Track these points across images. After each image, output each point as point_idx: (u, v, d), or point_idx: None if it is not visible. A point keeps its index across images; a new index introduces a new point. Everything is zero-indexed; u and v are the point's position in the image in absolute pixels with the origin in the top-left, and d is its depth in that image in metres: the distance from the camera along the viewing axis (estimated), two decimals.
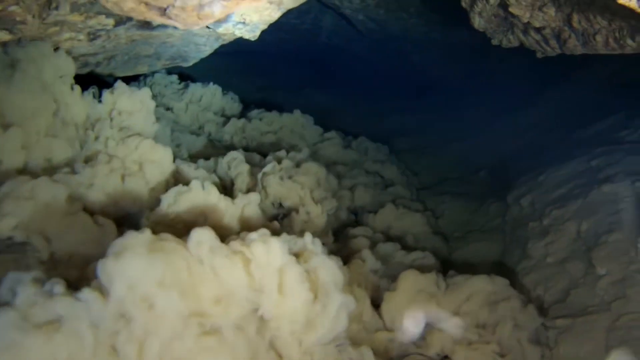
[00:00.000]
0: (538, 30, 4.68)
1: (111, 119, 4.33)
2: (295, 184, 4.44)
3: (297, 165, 4.84)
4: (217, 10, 2.39)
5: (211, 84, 8.05)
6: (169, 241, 2.40)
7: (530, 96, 9.91)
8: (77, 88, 4.38)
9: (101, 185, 3.55)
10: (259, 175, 4.53)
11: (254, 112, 7.52)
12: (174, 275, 2.25)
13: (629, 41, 3.71)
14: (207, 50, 6.66)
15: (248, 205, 4.04)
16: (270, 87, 12.32)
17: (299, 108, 9.09)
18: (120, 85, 4.66)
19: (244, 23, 4.99)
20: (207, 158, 5.59)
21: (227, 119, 7.58)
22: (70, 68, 4.47)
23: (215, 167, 5.23)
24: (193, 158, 5.86)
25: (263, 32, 5.04)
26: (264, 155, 5.53)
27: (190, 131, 7.24)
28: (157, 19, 2.60)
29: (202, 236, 2.49)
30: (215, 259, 2.47)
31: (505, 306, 3.36)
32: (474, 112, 10.98)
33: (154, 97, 5.13)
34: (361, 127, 10.09)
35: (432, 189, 7.87)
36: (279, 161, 4.78)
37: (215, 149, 6.65)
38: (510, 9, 4.50)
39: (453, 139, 9.91)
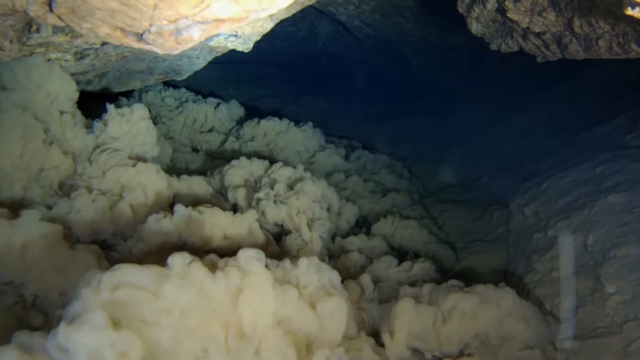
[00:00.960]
0: (538, 35, 4.53)
1: (102, 146, 4.14)
2: (290, 209, 4.31)
3: (291, 186, 4.68)
4: (196, 35, 2.24)
5: (205, 102, 7.81)
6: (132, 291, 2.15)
7: (530, 98, 9.76)
8: (69, 117, 4.19)
9: (85, 212, 3.40)
10: (253, 201, 4.39)
11: (249, 128, 7.29)
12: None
13: (634, 46, 3.55)
14: (200, 63, 6.55)
15: (242, 222, 3.90)
16: (267, 95, 12.19)
17: (297, 115, 9.03)
18: (111, 112, 4.47)
19: (236, 35, 4.88)
20: (204, 173, 5.45)
21: (226, 135, 7.40)
22: (67, 90, 4.31)
23: (214, 183, 5.09)
24: (193, 174, 5.73)
25: (259, 40, 4.95)
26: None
27: (191, 147, 7.14)
28: (134, 45, 2.45)
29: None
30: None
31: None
32: (474, 116, 10.84)
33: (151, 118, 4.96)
34: (360, 132, 9.97)
35: (434, 197, 7.71)
36: (272, 185, 4.64)
37: (214, 163, 6.49)
38: (508, 15, 4.35)
39: (453, 143, 9.76)
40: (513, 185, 6.47)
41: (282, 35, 11.64)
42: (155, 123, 5.87)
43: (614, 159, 4.99)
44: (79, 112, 4.38)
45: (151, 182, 3.95)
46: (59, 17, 2.46)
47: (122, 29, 2.41)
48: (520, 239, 5.08)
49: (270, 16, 4.58)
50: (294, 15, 6.23)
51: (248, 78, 12.98)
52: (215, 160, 6.67)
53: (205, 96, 8.22)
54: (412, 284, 3.97)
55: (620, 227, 3.82)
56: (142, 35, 2.40)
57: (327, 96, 13.09)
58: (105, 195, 3.64)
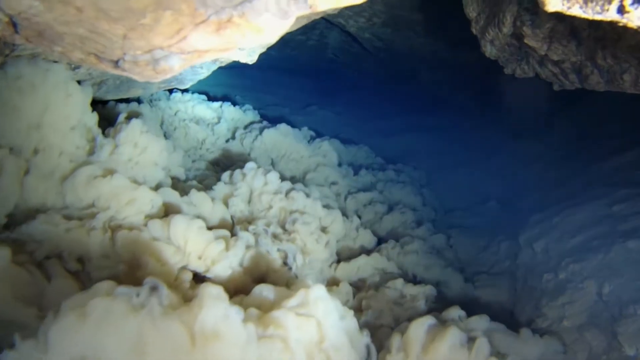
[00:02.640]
0: (556, 63, 4.24)
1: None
2: (292, 245, 4.08)
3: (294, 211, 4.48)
4: (176, 65, 1.98)
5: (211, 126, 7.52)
6: None
7: (541, 120, 9.45)
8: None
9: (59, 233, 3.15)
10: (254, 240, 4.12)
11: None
12: None
13: None
14: (204, 73, 6.32)
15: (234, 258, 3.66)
16: (274, 104, 11.94)
17: (304, 125, 8.78)
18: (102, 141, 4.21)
19: (239, 48, 4.63)
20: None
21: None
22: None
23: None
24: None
25: (269, 48, 4.74)
26: None
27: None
28: (112, 71, 2.20)
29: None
30: None
31: None
32: (482, 135, 10.54)
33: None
34: (367, 146, 9.67)
35: (440, 221, 7.41)
36: (269, 224, 4.40)
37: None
38: (526, 41, 4.07)
39: (460, 163, 9.46)
40: (521, 214, 6.19)
41: (292, 44, 11.42)
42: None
43: (632, 198, 4.68)
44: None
45: (137, 199, 3.71)
46: (27, 39, 2.21)
47: (95, 55, 2.16)
48: (528, 277, 4.79)
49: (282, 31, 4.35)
50: (304, 25, 6.00)
51: (255, 85, 12.74)
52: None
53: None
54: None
55: None
56: (117, 62, 2.15)
57: (334, 106, 12.83)
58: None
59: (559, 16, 3.69)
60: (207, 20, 1.71)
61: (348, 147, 8.97)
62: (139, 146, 4.43)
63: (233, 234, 4.11)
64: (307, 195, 5.00)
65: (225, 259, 3.59)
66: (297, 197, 4.84)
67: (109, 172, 3.78)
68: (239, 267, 3.76)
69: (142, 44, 1.83)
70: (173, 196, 4.27)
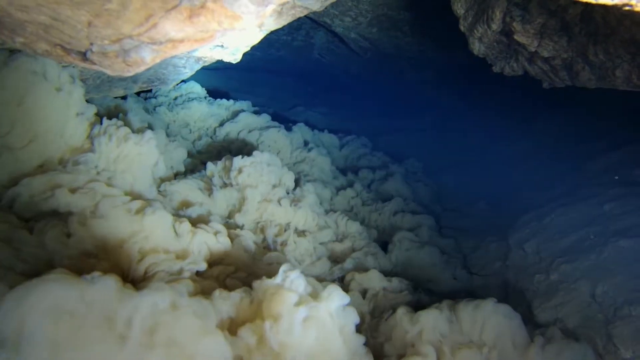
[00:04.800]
0: (546, 60, 4.15)
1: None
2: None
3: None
4: (148, 57, 1.85)
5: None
6: None
7: (529, 118, 9.40)
8: None
9: None
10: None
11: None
12: None
13: None
14: (187, 73, 6.17)
15: None
16: (260, 105, 11.77)
17: (290, 126, 8.67)
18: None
19: (222, 46, 4.50)
20: None
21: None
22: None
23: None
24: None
25: (253, 48, 4.60)
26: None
27: None
28: (80, 64, 2.06)
29: None
30: None
31: None
32: (470, 135, 10.48)
33: None
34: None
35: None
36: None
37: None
38: (516, 37, 3.98)
39: (449, 164, 9.39)
40: (511, 214, 6.10)
41: (277, 44, 11.27)
42: None
43: (624, 197, 4.61)
44: None
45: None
46: None
47: (62, 46, 2.01)
48: (519, 278, 4.69)
49: (260, 27, 4.23)
50: (290, 25, 5.87)
51: (240, 86, 12.58)
52: None
53: None
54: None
55: (634, 280, 3.43)
56: (85, 53, 2.00)
57: (321, 107, 12.71)
58: None
59: (550, 10, 3.60)
60: (179, 6, 1.57)
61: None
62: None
63: None
64: None
65: None
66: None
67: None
68: None
69: (109, 33, 1.69)
70: None
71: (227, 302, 2.51)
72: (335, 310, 2.52)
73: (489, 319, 2.98)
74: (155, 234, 3.24)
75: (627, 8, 1.52)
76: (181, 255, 3.33)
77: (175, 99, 7.96)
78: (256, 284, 2.61)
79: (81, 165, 3.73)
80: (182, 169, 5.66)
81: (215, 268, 3.43)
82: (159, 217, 3.30)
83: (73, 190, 3.32)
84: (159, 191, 4.54)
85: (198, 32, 1.68)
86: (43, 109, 3.62)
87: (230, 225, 4.50)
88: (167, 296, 2.13)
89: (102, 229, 3.05)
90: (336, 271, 4.50)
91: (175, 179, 5.02)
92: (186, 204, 4.49)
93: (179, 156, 5.78)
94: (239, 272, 3.52)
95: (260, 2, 1.58)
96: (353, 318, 2.62)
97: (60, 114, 3.77)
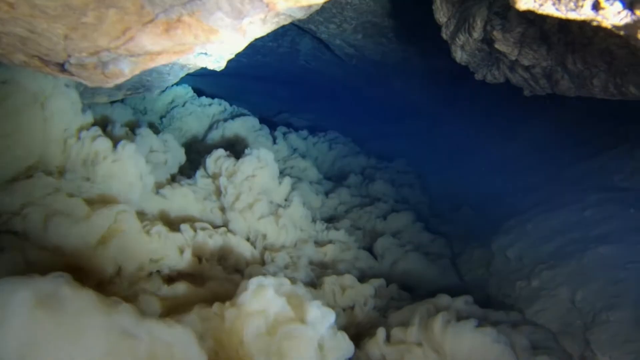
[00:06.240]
0: (527, 68, 4.20)
1: None
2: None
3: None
4: (127, 69, 1.84)
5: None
6: None
7: (511, 125, 9.48)
8: None
9: None
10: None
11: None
12: None
13: (632, 89, 3.23)
14: (171, 80, 6.15)
15: None
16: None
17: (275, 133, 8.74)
18: None
19: (206, 54, 4.50)
20: None
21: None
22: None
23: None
24: None
25: (239, 55, 4.61)
26: None
27: None
28: (59, 75, 2.04)
29: None
30: None
31: None
32: (454, 141, 10.54)
33: None
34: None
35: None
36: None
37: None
38: (496, 45, 4.02)
39: (432, 170, 9.45)
40: (495, 219, 6.15)
41: (263, 50, 11.26)
42: None
43: (603, 203, 4.68)
44: None
45: None
46: None
47: (39, 57, 2.00)
48: (501, 285, 4.73)
49: (243, 35, 4.23)
50: (275, 31, 5.87)
51: (225, 92, 12.55)
52: None
53: None
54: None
55: (613, 286, 3.48)
56: (63, 65, 1.99)
57: (306, 113, 12.72)
58: None
59: (529, 20, 3.65)
60: (155, 20, 1.58)
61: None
62: None
63: None
64: None
65: None
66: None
67: None
68: None
69: (86, 45, 1.68)
70: None
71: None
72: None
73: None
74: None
75: (594, 24, 1.56)
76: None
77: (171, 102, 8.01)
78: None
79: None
80: (176, 170, 5.76)
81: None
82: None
83: None
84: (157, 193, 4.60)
85: (175, 45, 1.69)
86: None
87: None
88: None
89: None
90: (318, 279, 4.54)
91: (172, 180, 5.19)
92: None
93: (174, 159, 5.81)
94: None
95: (236, 16, 1.59)
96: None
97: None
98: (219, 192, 5.01)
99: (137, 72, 1.97)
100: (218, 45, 1.79)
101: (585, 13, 1.50)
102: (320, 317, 2.55)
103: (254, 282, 2.65)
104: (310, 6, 2.51)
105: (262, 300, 2.53)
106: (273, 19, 4.07)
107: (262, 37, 4.81)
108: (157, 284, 3.37)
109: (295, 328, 2.43)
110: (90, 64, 1.89)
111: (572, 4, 1.47)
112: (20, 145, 3.86)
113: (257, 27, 3.77)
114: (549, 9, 1.58)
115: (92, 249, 3.46)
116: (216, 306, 2.69)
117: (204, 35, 1.57)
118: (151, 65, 1.93)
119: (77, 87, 5.72)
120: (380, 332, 3.23)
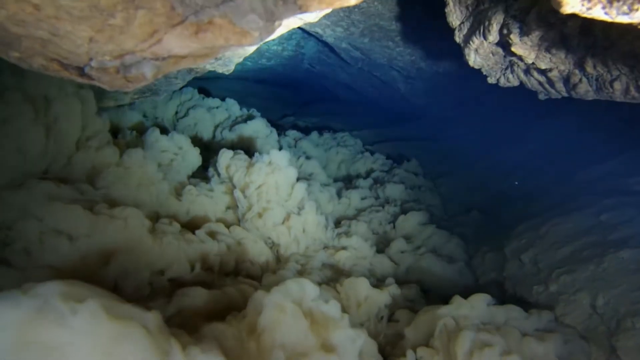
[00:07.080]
0: (543, 71, 4.15)
1: None
2: None
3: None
4: (149, 73, 1.79)
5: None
6: None
7: (521, 128, 9.44)
8: None
9: None
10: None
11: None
12: None
13: None
14: (179, 83, 6.15)
15: None
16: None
17: (279, 138, 8.71)
18: None
19: (216, 58, 4.47)
20: None
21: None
22: None
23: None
24: None
25: (245, 58, 4.58)
26: None
27: None
28: (78, 79, 1.99)
29: None
30: None
31: None
32: (463, 144, 10.49)
33: None
34: None
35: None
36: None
37: None
38: (513, 49, 3.97)
39: (441, 173, 9.38)
40: (506, 224, 6.09)
41: (267, 54, 11.23)
42: None
43: (620, 207, 4.61)
44: None
45: None
46: None
47: (59, 61, 1.95)
48: (517, 289, 4.66)
49: (271, 36, 4.22)
50: (280, 35, 5.87)
51: (230, 95, 12.50)
52: None
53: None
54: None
55: (636, 291, 3.42)
56: (83, 69, 1.94)
57: (311, 117, 12.67)
58: None
59: (549, 23, 3.59)
60: (185, 22, 1.52)
61: None
62: None
63: None
64: None
65: None
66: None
67: None
68: None
69: (111, 48, 1.63)
70: None
71: None
72: None
73: None
74: None
75: None
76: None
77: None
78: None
79: None
80: (190, 173, 5.82)
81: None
82: None
83: None
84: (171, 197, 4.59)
85: (203, 48, 1.63)
86: None
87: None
88: None
89: None
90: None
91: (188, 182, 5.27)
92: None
93: (192, 163, 5.90)
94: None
95: (269, 17, 1.53)
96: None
97: None
98: (233, 198, 4.96)
99: (159, 75, 1.92)
100: (248, 48, 1.74)
101: (639, 17, 1.44)
102: (350, 342, 2.41)
103: (271, 301, 2.48)
104: (341, 7, 2.45)
105: (280, 327, 2.36)
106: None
107: (267, 41, 4.78)
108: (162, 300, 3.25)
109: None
110: (112, 68, 1.83)
111: (625, 8, 1.41)
112: (11, 153, 3.73)
113: (281, 29, 3.74)
114: (596, 13, 1.53)
115: (95, 266, 3.36)
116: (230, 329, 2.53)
117: (235, 38, 1.52)
118: (174, 68, 1.88)
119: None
120: (410, 355, 3.16)
